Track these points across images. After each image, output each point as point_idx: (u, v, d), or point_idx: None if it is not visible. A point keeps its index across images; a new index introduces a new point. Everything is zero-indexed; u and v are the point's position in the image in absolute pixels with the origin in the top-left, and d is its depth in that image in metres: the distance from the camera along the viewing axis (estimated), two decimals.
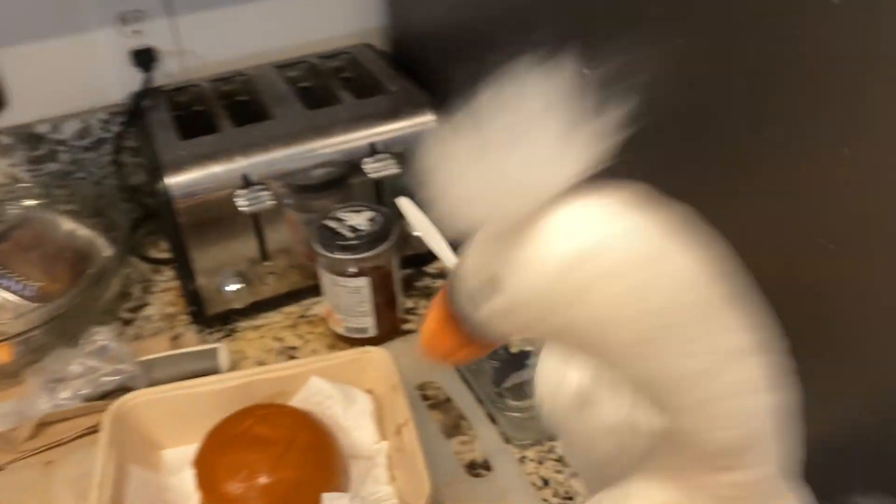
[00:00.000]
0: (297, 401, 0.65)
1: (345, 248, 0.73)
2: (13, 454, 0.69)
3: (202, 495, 0.58)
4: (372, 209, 0.77)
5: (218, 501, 0.56)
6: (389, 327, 0.80)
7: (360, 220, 0.76)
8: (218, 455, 0.57)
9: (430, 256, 0.91)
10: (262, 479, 0.56)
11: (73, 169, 0.94)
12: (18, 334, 0.72)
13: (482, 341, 0.32)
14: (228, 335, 0.83)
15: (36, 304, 0.74)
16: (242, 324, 0.84)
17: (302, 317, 0.85)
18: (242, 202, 0.76)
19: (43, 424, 0.72)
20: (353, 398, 0.65)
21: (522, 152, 0.26)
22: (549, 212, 0.26)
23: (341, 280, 0.75)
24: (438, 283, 0.89)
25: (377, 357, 0.66)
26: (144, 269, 0.93)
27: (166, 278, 0.92)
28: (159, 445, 0.65)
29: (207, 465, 0.58)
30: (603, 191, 0.27)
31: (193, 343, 0.82)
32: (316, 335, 0.82)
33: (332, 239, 0.74)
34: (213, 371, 0.76)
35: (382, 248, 0.75)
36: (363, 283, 0.75)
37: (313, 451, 0.58)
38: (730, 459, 0.28)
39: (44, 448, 0.70)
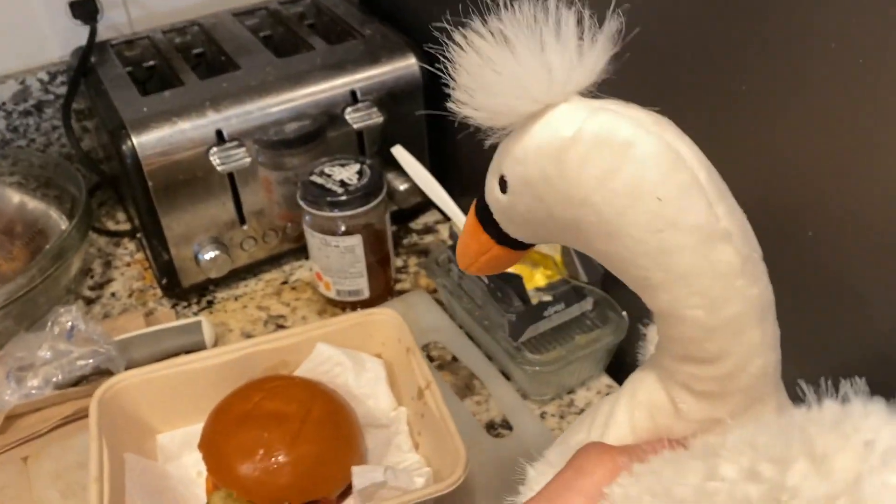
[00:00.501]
0: (303, 371, 0.60)
1: (335, 205, 0.68)
2: None
3: (214, 480, 0.52)
4: (359, 162, 0.72)
5: (234, 486, 0.51)
6: (383, 288, 0.75)
7: (348, 174, 0.70)
8: (228, 436, 0.52)
9: (416, 212, 0.87)
10: (281, 458, 0.51)
11: (13, 137, 0.85)
12: None
13: (505, 245, 0.34)
14: (207, 308, 0.77)
15: None
16: (221, 294, 0.78)
17: (284, 283, 0.79)
18: (217, 161, 0.69)
19: (12, 417, 0.65)
20: (363, 364, 0.61)
21: (529, 60, 0.28)
22: (543, 111, 0.29)
23: (332, 240, 0.70)
24: (426, 239, 0.84)
25: (384, 319, 0.62)
26: (102, 242, 0.86)
27: (128, 251, 0.84)
28: (153, 430, 0.59)
29: (217, 448, 0.52)
30: (593, 98, 0.29)
31: (169, 319, 0.75)
32: (303, 301, 0.77)
33: (320, 196, 0.68)
34: (198, 347, 0.70)
35: (375, 203, 0.69)
36: (356, 241, 0.70)
37: (331, 424, 0.54)
38: (705, 346, 0.28)
39: (16, 443, 0.63)
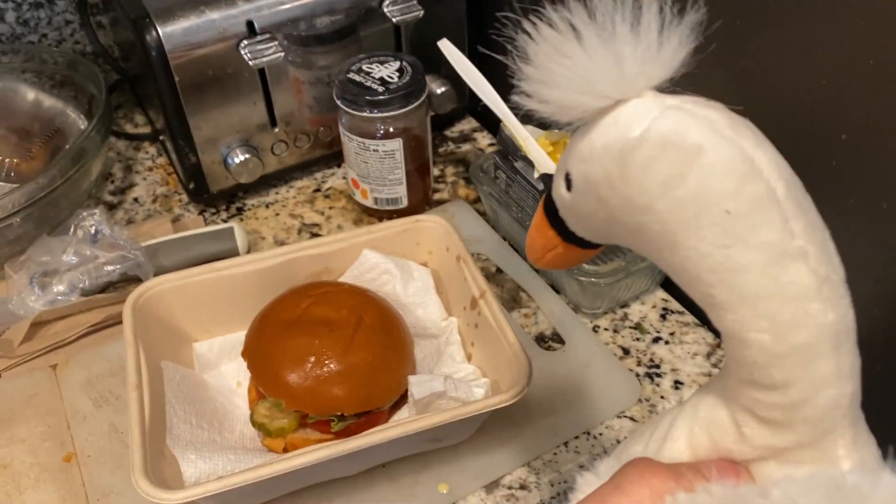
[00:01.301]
0: (349, 277, 0.57)
1: (376, 105, 0.63)
2: (9, 359, 0.60)
3: (262, 389, 0.50)
4: (398, 59, 0.66)
5: (282, 395, 0.48)
6: (422, 197, 0.71)
7: (388, 71, 0.65)
8: (275, 343, 0.49)
9: (451, 119, 0.82)
10: (333, 366, 0.48)
11: (23, 31, 0.79)
12: None
13: (571, 243, 0.32)
14: (237, 215, 0.73)
15: (11, 186, 0.62)
16: (251, 201, 0.74)
17: (317, 191, 0.75)
18: (248, 55, 0.64)
19: (38, 324, 0.62)
20: (410, 272, 0.57)
21: (598, 51, 0.26)
22: (613, 107, 0.26)
23: (372, 144, 0.65)
24: (463, 147, 0.80)
25: (432, 226, 0.58)
26: (121, 146, 0.81)
27: (149, 155, 0.80)
28: (189, 338, 0.56)
29: (264, 356, 0.49)
30: (663, 94, 0.26)
31: (197, 225, 0.72)
32: (338, 210, 0.73)
33: (359, 94, 0.63)
34: (230, 254, 0.67)
35: (417, 104, 0.65)
36: (396, 145, 0.65)
37: (383, 332, 0.51)
38: (770, 373, 0.25)
39: (45, 350, 0.61)
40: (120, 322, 0.61)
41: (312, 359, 0.48)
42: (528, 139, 0.61)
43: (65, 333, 0.61)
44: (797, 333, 0.24)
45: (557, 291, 0.63)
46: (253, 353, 0.50)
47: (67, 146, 0.68)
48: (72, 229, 0.65)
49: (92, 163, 0.67)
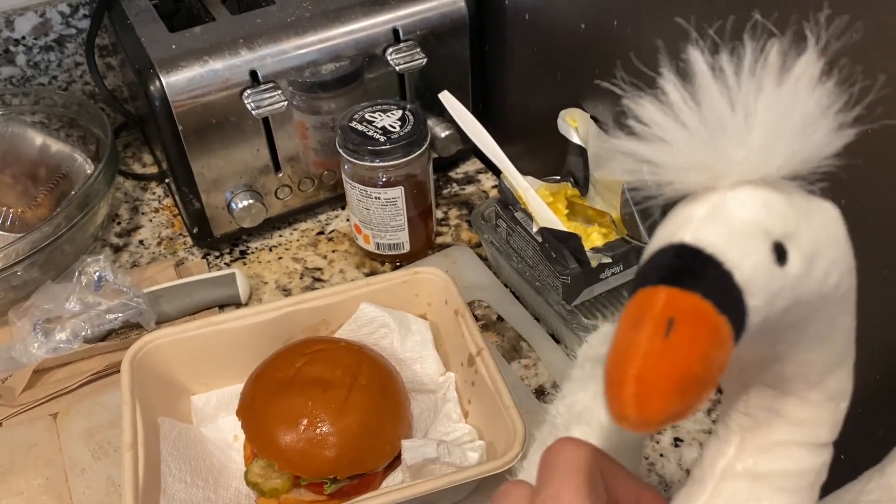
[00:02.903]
0: (346, 332, 0.57)
1: (377, 155, 0.63)
2: (12, 407, 0.60)
3: (254, 449, 0.50)
4: (401, 107, 0.67)
5: (275, 457, 0.48)
6: (424, 241, 0.71)
7: (390, 120, 0.65)
8: (269, 404, 0.49)
9: (456, 161, 0.82)
10: (326, 428, 0.48)
11: (34, 73, 0.80)
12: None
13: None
14: (240, 258, 0.73)
15: (16, 235, 0.63)
16: (254, 244, 0.74)
17: (321, 233, 0.75)
18: (251, 104, 0.65)
19: (40, 371, 0.62)
20: (408, 325, 0.57)
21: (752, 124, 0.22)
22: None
23: (374, 191, 0.65)
24: (467, 189, 0.80)
25: (431, 278, 0.58)
26: (128, 186, 0.82)
27: (156, 196, 0.81)
28: (187, 391, 0.57)
29: (257, 417, 0.49)
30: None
31: (200, 269, 0.72)
32: (340, 253, 0.73)
33: (361, 144, 0.64)
34: (231, 300, 0.67)
35: (419, 153, 0.65)
36: (398, 193, 0.65)
37: (378, 392, 0.50)
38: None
39: (45, 399, 0.61)
40: (119, 371, 0.62)
41: (305, 421, 0.48)
42: (527, 190, 0.61)
43: (66, 381, 0.62)
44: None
45: (557, 341, 0.63)
46: (247, 412, 0.50)
47: (74, 191, 0.69)
48: (76, 275, 0.66)
49: (98, 208, 0.68)
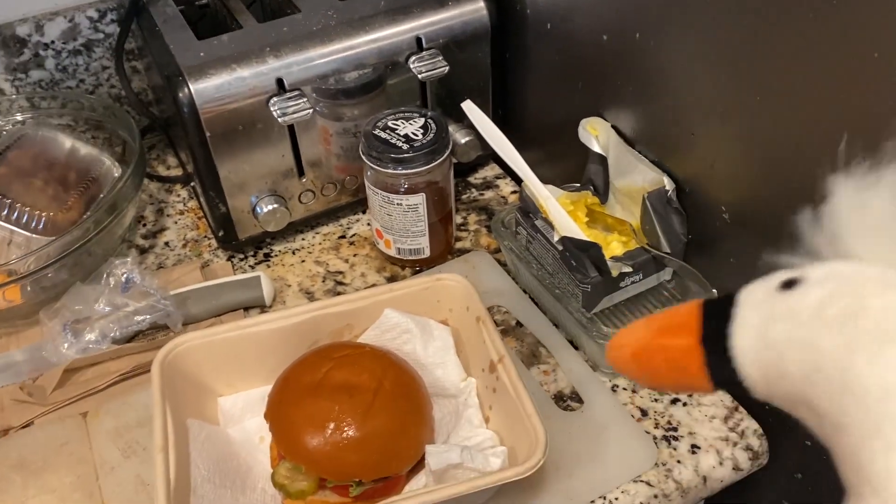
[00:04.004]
0: (370, 336, 0.58)
1: (400, 162, 0.65)
2: (43, 406, 0.62)
3: (281, 452, 0.51)
4: (423, 115, 0.68)
5: (302, 460, 0.49)
6: (444, 246, 0.72)
7: (413, 128, 0.66)
8: (296, 407, 0.50)
9: (475, 166, 0.83)
10: (352, 432, 0.49)
11: (62, 77, 0.82)
12: (30, 273, 0.63)
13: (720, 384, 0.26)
14: (264, 261, 0.74)
15: (47, 238, 0.64)
16: (278, 247, 0.76)
17: (342, 237, 0.76)
18: (277, 111, 0.66)
19: (69, 371, 0.64)
20: (430, 331, 0.58)
21: None
22: None
23: (395, 198, 0.66)
24: (487, 195, 0.81)
25: (453, 285, 0.59)
26: (153, 188, 0.83)
27: (180, 199, 0.82)
28: (214, 393, 0.58)
29: (284, 420, 0.51)
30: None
31: (225, 271, 0.73)
32: (362, 257, 0.74)
33: (385, 151, 0.65)
34: (256, 302, 0.69)
35: (441, 160, 0.66)
36: (420, 200, 0.67)
37: (403, 397, 0.52)
38: None
39: (76, 398, 0.62)
40: (148, 370, 0.64)
41: (332, 425, 0.49)
42: (548, 199, 0.62)
43: (95, 381, 0.63)
44: None
45: (576, 348, 0.64)
46: (274, 415, 0.52)
47: (102, 195, 0.71)
48: (104, 277, 0.67)
49: (126, 212, 0.69)
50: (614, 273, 0.57)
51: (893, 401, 0.21)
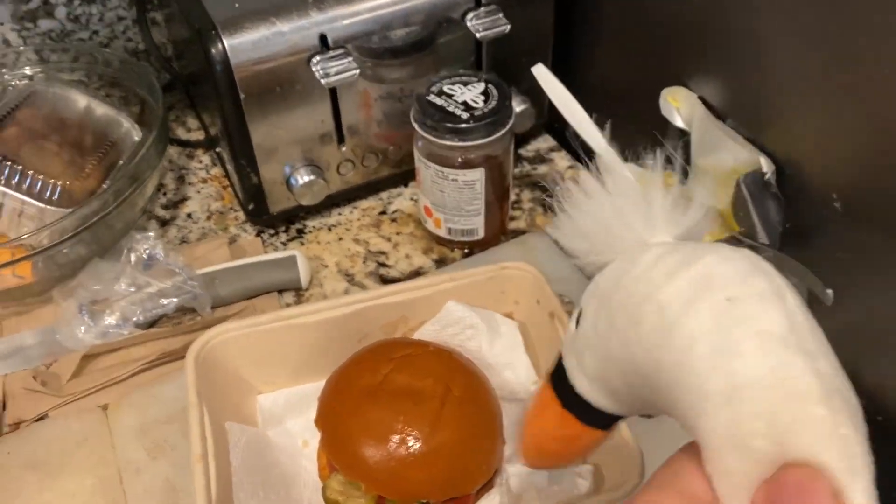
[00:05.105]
0: (428, 332, 0.52)
1: (459, 133, 0.58)
2: (59, 397, 0.55)
3: (337, 465, 0.45)
4: (482, 80, 0.60)
5: (361, 476, 0.43)
6: (498, 226, 0.66)
7: (472, 94, 0.59)
8: (353, 415, 0.44)
9: (528, 136, 0.76)
10: (420, 447, 0.43)
11: (73, 28, 0.74)
12: (45, 249, 0.56)
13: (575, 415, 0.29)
14: (297, 238, 0.68)
15: (63, 210, 0.58)
16: (312, 223, 0.69)
17: (383, 213, 0.70)
18: (320, 71, 0.59)
19: (87, 358, 0.57)
20: (496, 327, 0.52)
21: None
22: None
23: (451, 172, 0.60)
24: (540, 169, 0.74)
25: (521, 274, 0.52)
26: (173, 153, 0.76)
27: (203, 165, 0.75)
28: (253, 390, 0.52)
29: (341, 428, 0.44)
30: None
31: (255, 248, 0.67)
32: (405, 236, 0.67)
33: (441, 121, 0.58)
34: (291, 284, 0.62)
35: (503, 132, 0.59)
36: (478, 175, 0.60)
37: (473, 404, 0.45)
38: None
39: (95, 389, 0.56)
40: (174, 359, 0.58)
41: (396, 437, 0.43)
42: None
43: (116, 369, 0.57)
44: (799, 437, 0.20)
45: None
46: (327, 423, 0.45)
47: (122, 161, 0.64)
48: (124, 253, 0.61)
49: (149, 181, 0.63)
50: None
51: (713, 292, 0.23)
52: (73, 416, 0.55)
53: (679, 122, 0.58)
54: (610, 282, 0.26)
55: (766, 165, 0.52)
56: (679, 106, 0.58)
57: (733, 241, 0.53)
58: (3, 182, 0.57)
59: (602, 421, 0.28)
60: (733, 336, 0.22)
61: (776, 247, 0.54)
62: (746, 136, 0.54)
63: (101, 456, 0.53)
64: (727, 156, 0.54)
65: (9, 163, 0.58)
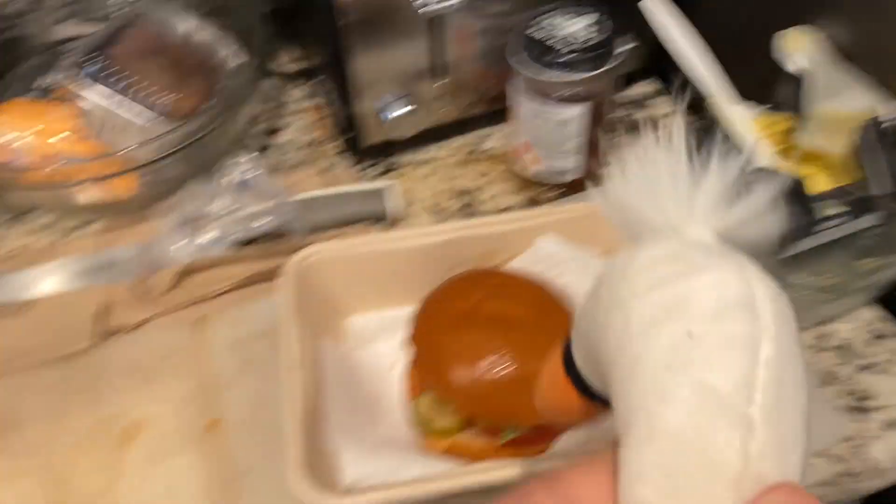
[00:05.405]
0: (518, 266, 0.51)
1: (562, 66, 0.56)
2: (153, 308, 0.57)
3: (430, 384, 0.45)
4: (586, 13, 0.59)
5: (454, 395, 0.43)
6: (590, 170, 0.64)
7: (576, 27, 0.57)
8: (449, 336, 0.44)
9: (627, 81, 0.74)
10: (512, 371, 0.42)
11: None
12: (150, 162, 0.57)
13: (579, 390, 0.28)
14: (388, 171, 0.68)
15: (168, 126, 0.59)
16: (403, 158, 0.69)
17: (472, 152, 0.69)
18: (422, 0, 0.58)
19: (183, 273, 0.59)
20: (586, 265, 0.51)
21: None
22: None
23: (551, 109, 0.58)
24: (636, 115, 0.71)
25: None
26: (267, 84, 0.77)
27: (298, 97, 0.75)
28: (344, 311, 0.52)
29: (435, 347, 0.44)
30: None
31: (347, 179, 0.67)
32: (496, 174, 0.67)
33: (543, 53, 0.56)
34: (382, 216, 0.62)
35: (609, 66, 0.57)
36: (580, 111, 0.58)
37: (563, 336, 0.45)
38: None
39: (189, 303, 0.58)
40: (267, 280, 0.58)
41: (490, 360, 0.42)
42: (744, 121, 0.53)
43: (210, 286, 0.58)
44: None
45: None
46: (423, 342, 0.45)
47: (220, 85, 0.64)
48: (222, 175, 0.62)
49: (247, 105, 0.63)
50: (824, 213, 0.48)
51: (680, 318, 0.21)
52: (169, 328, 0.57)
53: (796, 66, 0.55)
54: (611, 266, 0.24)
55: (893, 111, 0.49)
56: (798, 48, 0.55)
57: (841, 192, 0.51)
58: (114, 92, 0.58)
59: (588, 391, 0.27)
60: (675, 378, 0.20)
61: (890, 199, 0.51)
62: (874, 81, 0.51)
63: (196, 365, 0.54)
64: (849, 101, 0.52)
65: (116, 76, 0.59)
